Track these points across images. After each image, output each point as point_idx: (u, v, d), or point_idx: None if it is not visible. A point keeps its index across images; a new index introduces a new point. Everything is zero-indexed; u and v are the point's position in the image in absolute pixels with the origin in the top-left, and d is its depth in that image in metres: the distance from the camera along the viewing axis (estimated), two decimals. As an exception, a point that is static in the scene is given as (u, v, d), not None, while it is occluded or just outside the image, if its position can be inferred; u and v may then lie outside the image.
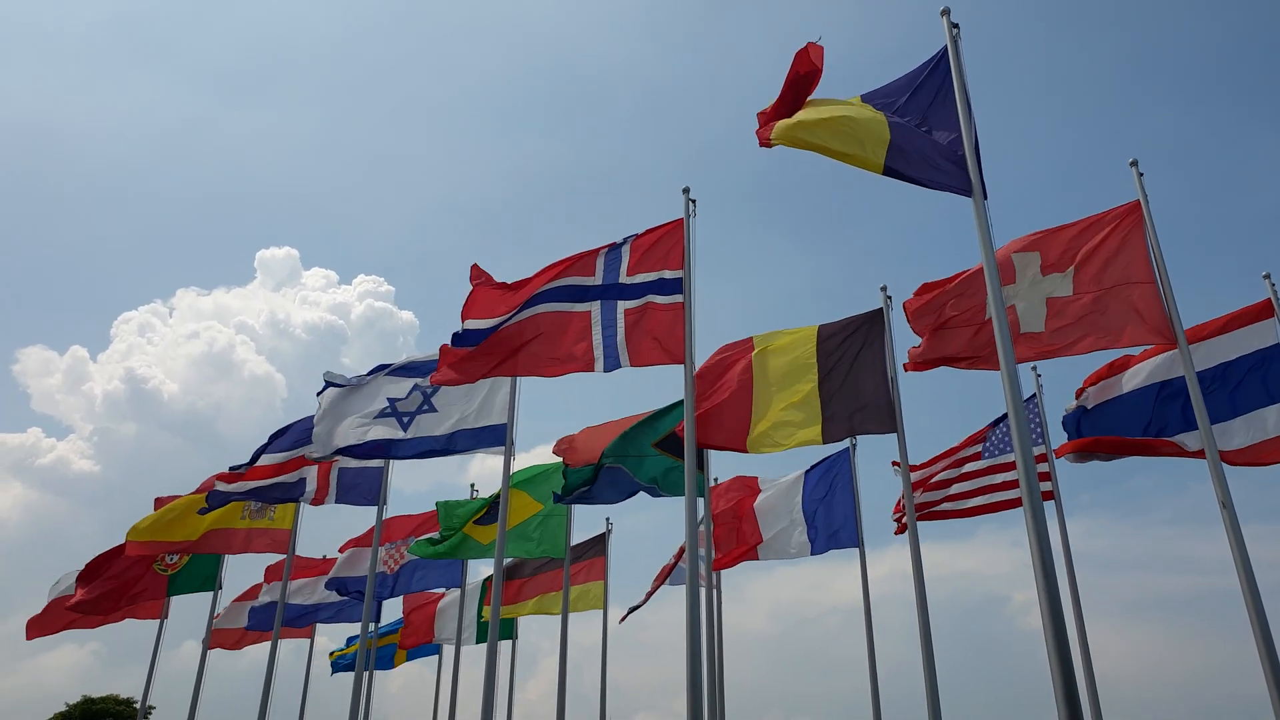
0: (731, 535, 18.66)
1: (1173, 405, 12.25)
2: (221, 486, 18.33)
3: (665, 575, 20.35)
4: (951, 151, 9.18)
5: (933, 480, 16.35)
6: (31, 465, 78.03)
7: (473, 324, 12.18)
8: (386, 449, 14.99)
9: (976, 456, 16.14)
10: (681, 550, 19.94)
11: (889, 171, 9.24)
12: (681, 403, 13.49)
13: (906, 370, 12.59)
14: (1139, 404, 12.58)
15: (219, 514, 20.72)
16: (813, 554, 17.79)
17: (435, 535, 19.54)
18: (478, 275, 12.60)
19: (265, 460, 18.32)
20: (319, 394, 15.70)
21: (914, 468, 15.98)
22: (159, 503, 20.84)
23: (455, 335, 12.14)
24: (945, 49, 9.72)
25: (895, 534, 16.97)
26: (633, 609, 21.42)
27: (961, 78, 9.40)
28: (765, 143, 9.91)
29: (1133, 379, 12.82)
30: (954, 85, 9.42)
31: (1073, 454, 13.09)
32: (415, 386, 15.24)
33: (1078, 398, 13.35)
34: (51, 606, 22.98)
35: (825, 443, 13.41)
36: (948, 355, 12.08)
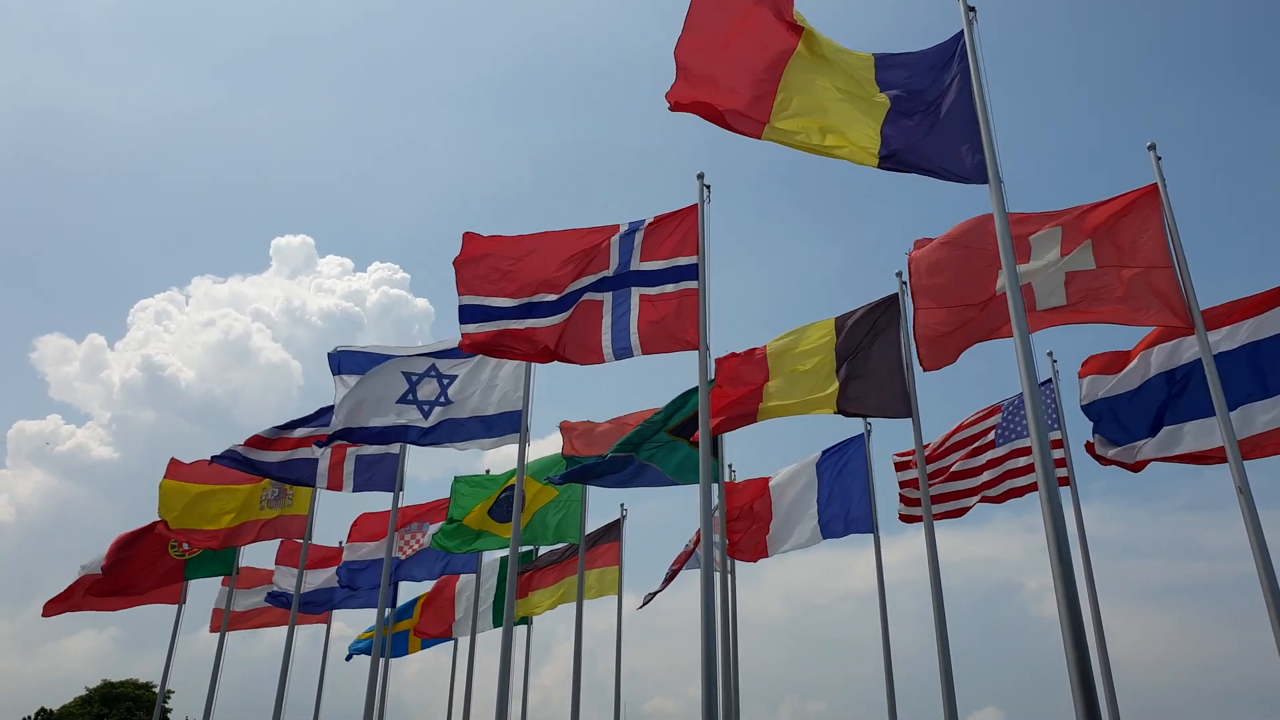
0: (748, 532, 18.70)
1: (1189, 391, 12.21)
2: (236, 453, 18.39)
3: (684, 561, 20.42)
4: (964, 138, 9.10)
5: (949, 471, 16.29)
6: (51, 452, 78.83)
7: (482, 300, 12.25)
8: (404, 433, 15.03)
9: (991, 445, 16.06)
10: (699, 536, 20.01)
11: (885, 165, 9.28)
12: (695, 390, 13.51)
13: (925, 370, 12.46)
14: (1156, 392, 12.50)
15: (240, 507, 20.87)
16: (824, 538, 17.80)
17: (451, 526, 19.57)
18: (471, 243, 12.61)
19: (285, 435, 18.49)
20: (335, 374, 15.74)
21: (929, 455, 15.98)
22: (173, 466, 20.93)
23: (463, 309, 12.23)
24: (961, 32, 9.65)
25: (900, 519, 17.00)
26: (651, 595, 21.48)
27: (977, 62, 9.33)
28: (676, 106, 9.92)
29: (1147, 366, 12.73)
30: (970, 70, 9.36)
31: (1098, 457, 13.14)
32: (432, 367, 15.27)
33: (1083, 376, 13.28)
34: (73, 587, 23.14)
35: (837, 413, 13.45)
36: (959, 341, 11.97)
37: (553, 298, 12.22)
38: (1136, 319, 11.21)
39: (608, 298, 12.16)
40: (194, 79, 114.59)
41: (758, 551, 18.66)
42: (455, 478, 19.96)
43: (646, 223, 12.50)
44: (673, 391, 15.83)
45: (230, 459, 18.45)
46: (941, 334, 11.98)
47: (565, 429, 17.34)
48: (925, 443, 14.46)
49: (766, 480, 19.12)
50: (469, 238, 12.64)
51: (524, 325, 12.15)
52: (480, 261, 12.49)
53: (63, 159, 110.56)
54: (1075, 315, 11.35)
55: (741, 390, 13.83)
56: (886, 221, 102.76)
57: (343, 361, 15.91)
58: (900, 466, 17.13)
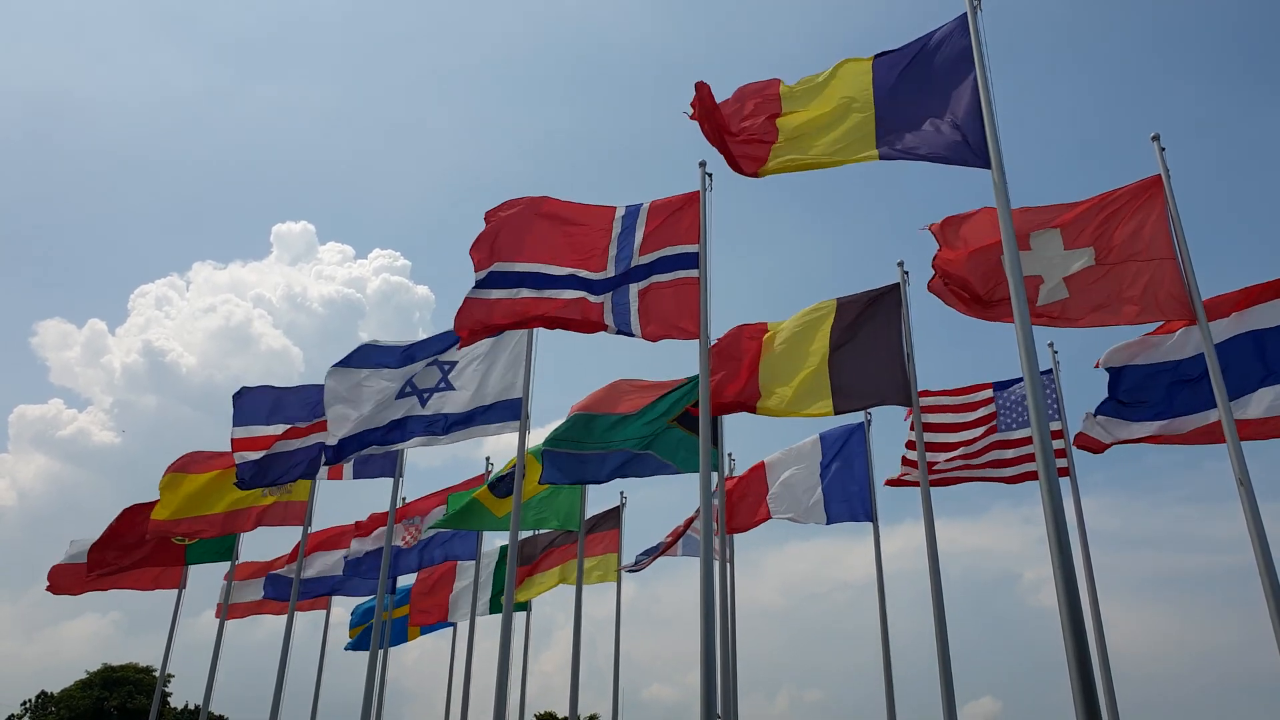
0: (747, 505, 18.67)
1: (1197, 382, 12.20)
2: (245, 458, 18.19)
3: (676, 537, 20.44)
4: (966, 124, 9.07)
5: (947, 448, 16.22)
6: (53, 437, 79.00)
7: (499, 266, 12.22)
8: (404, 429, 14.82)
9: (993, 429, 15.99)
10: (692, 517, 20.03)
11: (886, 156, 9.37)
12: (695, 379, 13.48)
13: (930, 288, 12.34)
14: (1164, 380, 12.46)
15: (240, 494, 20.78)
16: (828, 523, 17.74)
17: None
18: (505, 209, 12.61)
19: (285, 426, 18.33)
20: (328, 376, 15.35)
21: (926, 422, 15.84)
22: (173, 468, 20.88)
23: (480, 280, 12.18)
24: (963, 16, 9.62)
25: (885, 484, 16.94)
26: (633, 568, 21.51)
27: (981, 50, 9.27)
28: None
29: (1157, 352, 12.68)
30: (973, 56, 9.30)
31: (1097, 448, 13.09)
32: (434, 361, 15.13)
33: (1103, 366, 13.15)
34: (73, 569, 23.11)
35: (836, 414, 13.42)
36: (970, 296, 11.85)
37: (557, 273, 12.17)
38: (1137, 317, 11.22)
39: (607, 299, 12.09)
40: (194, 63, 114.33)
41: (759, 516, 18.56)
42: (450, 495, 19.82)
43: (646, 208, 12.40)
44: (674, 375, 15.76)
45: (250, 475, 18.25)
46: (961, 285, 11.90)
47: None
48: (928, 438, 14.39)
49: (762, 463, 19.08)
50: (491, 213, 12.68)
51: (523, 295, 12.10)
52: (499, 230, 12.47)
53: (63, 143, 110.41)
54: (1076, 321, 11.32)
55: (740, 379, 13.80)
56: (887, 211, 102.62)
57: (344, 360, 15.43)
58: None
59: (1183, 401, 12.38)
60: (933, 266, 12.26)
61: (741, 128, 10.39)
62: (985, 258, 11.72)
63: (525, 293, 12.11)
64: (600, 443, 15.46)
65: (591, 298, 12.06)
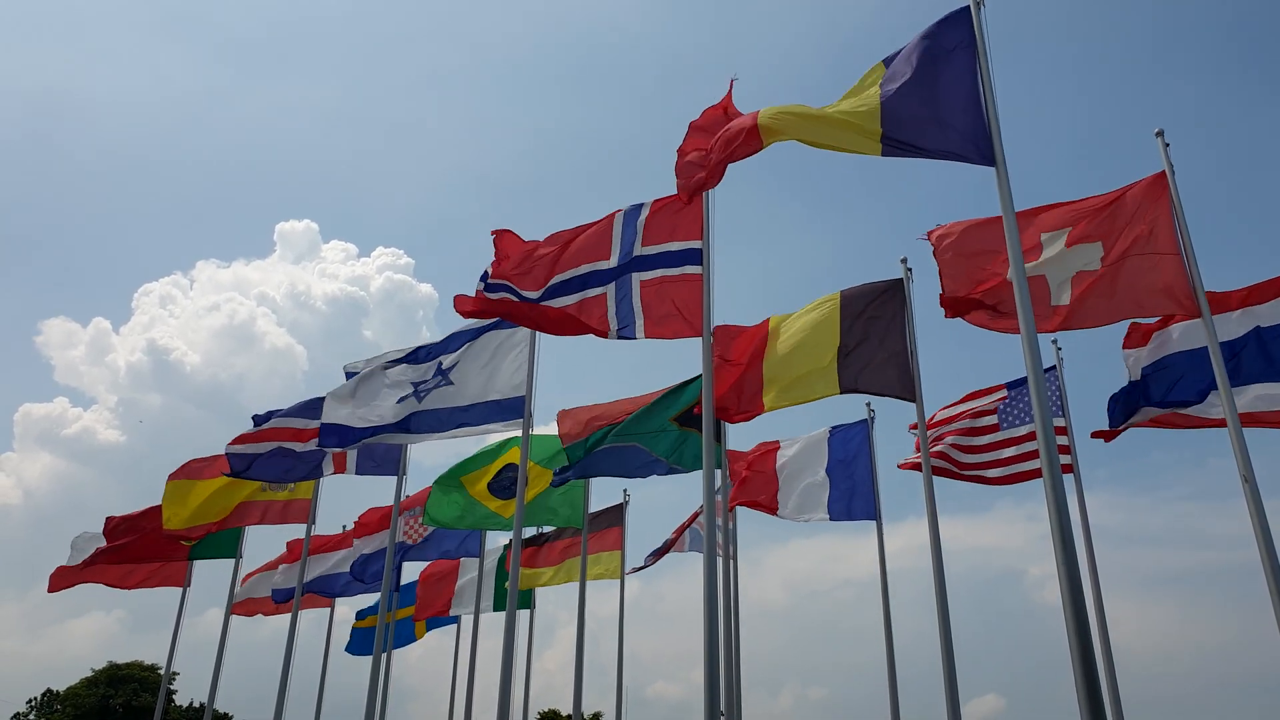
0: (754, 483, 18.59)
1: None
2: (239, 449, 18.27)
3: (681, 532, 20.40)
4: (968, 120, 9.03)
5: (950, 443, 16.20)
6: (58, 435, 79.15)
7: (502, 281, 12.28)
8: (404, 425, 14.84)
9: (995, 428, 15.98)
10: (697, 513, 19.99)
11: (888, 152, 9.20)
12: (698, 378, 13.46)
13: (947, 316, 12.18)
14: (1185, 369, 12.47)
15: (242, 491, 20.78)
16: (831, 520, 17.71)
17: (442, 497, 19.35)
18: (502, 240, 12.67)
19: (288, 423, 18.37)
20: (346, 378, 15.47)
21: (932, 424, 15.83)
22: (175, 476, 20.89)
23: (485, 282, 12.26)
24: (964, 10, 9.57)
25: (899, 466, 16.89)
26: (638, 568, 21.52)
27: (984, 46, 9.24)
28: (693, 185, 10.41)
29: (1176, 342, 12.69)
30: (975, 51, 9.27)
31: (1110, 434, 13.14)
32: (436, 361, 15.14)
33: (1128, 346, 13.13)
34: (74, 568, 23.09)
35: (842, 392, 13.33)
36: (980, 303, 11.71)
37: (559, 280, 12.19)
38: (1143, 312, 11.22)
39: (610, 289, 12.09)
40: (196, 62, 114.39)
41: (766, 502, 18.48)
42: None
43: (648, 206, 12.40)
44: (676, 374, 15.76)
45: (240, 461, 18.34)
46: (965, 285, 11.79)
47: (562, 416, 17.21)
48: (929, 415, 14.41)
49: (775, 446, 18.98)
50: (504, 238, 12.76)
51: (532, 303, 12.18)
52: (508, 256, 12.54)
53: (66, 142, 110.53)
54: (1082, 320, 11.30)
55: (737, 369, 13.76)
56: (887, 208, 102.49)
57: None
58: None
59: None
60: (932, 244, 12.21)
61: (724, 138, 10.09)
62: (975, 259, 11.70)
63: (478, 286, 12.28)
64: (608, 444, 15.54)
65: (594, 291, 12.09)
